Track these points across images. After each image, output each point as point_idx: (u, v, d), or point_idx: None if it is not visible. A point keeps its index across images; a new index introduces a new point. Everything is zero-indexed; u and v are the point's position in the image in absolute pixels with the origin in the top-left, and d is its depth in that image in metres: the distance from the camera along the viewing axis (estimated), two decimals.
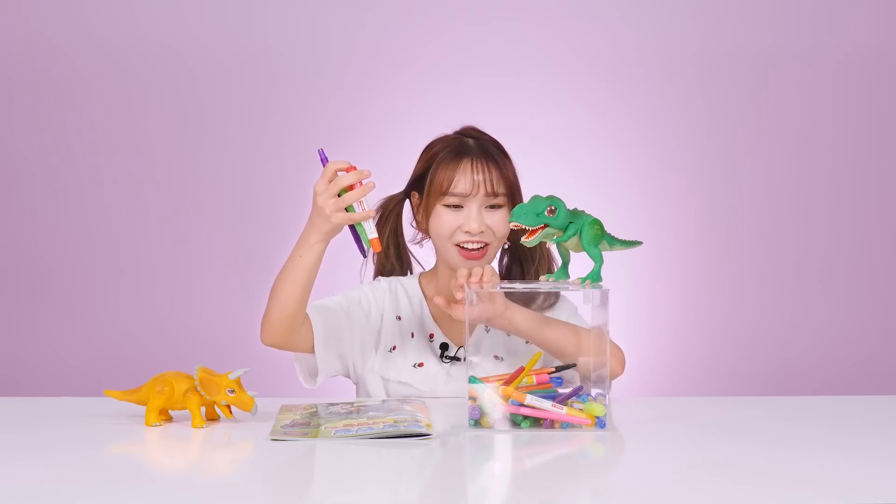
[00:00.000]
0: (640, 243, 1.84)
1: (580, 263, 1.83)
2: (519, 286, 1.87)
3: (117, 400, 1.82)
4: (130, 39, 3.44)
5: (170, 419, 1.80)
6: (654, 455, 1.61)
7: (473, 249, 2.02)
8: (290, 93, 3.48)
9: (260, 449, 1.63)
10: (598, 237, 1.77)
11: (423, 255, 2.21)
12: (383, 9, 3.49)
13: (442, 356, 2.09)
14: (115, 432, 1.73)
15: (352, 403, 1.90)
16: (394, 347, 2.09)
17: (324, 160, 1.85)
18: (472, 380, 1.73)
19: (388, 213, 2.14)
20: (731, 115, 3.53)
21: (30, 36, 3.43)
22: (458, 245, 2.03)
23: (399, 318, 2.11)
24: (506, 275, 2.17)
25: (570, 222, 1.76)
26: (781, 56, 3.51)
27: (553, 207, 1.74)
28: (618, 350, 1.99)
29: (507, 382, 1.76)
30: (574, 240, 1.77)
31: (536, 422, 1.72)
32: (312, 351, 2.03)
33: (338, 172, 1.81)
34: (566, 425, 1.71)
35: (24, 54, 3.43)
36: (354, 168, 1.82)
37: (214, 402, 1.78)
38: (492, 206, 2.03)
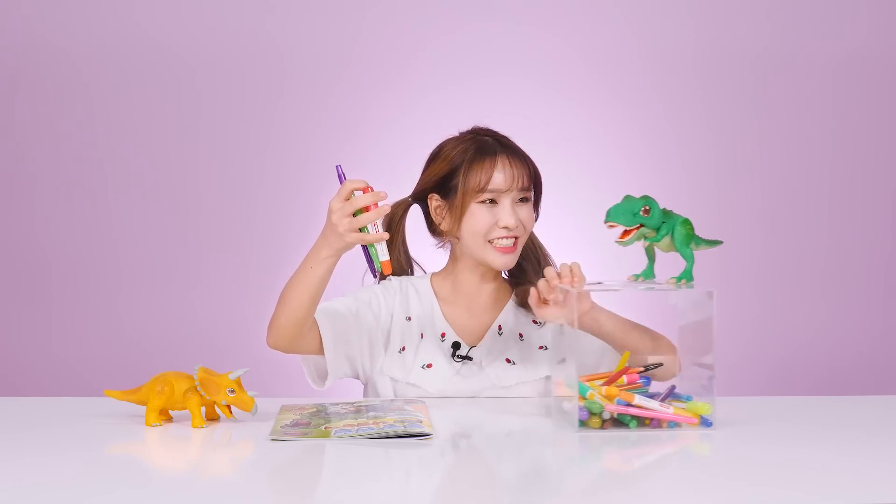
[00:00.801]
0: (721, 243, 1.84)
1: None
2: (610, 285, 1.85)
3: (117, 400, 1.82)
4: (131, 40, 3.45)
5: (170, 419, 1.80)
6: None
7: (506, 245, 2.04)
8: (290, 93, 3.48)
9: (260, 449, 1.63)
10: (689, 237, 1.78)
11: (421, 257, 2.22)
12: (383, 9, 3.49)
13: (453, 355, 2.09)
14: (115, 432, 1.73)
15: (352, 403, 1.91)
16: (403, 348, 2.10)
17: (341, 177, 1.85)
18: (581, 386, 1.73)
19: (398, 219, 2.14)
20: (731, 115, 3.53)
21: (30, 36, 3.43)
22: (490, 241, 2.04)
23: (409, 318, 2.12)
24: (515, 273, 2.16)
25: (663, 222, 1.77)
26: (781, 56, 3.51)
27: (648, 207, 1.75)
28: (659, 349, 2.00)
29: (608, 383, 1.77)
30: (666, 239, 1.78)
31: (641, 422, 1.72)
32: (317, 353, 2.03)
33: (354, 192, 1.82)
34: (672, 424, 1.72)
35: (24, 54, 3.43)
36: (371, 188, 1.82)
37: (214, 402, 1.78)
38: (520, 201, 2.05)
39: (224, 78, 3.46)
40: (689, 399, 1.76)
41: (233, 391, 1.76)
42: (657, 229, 1.76)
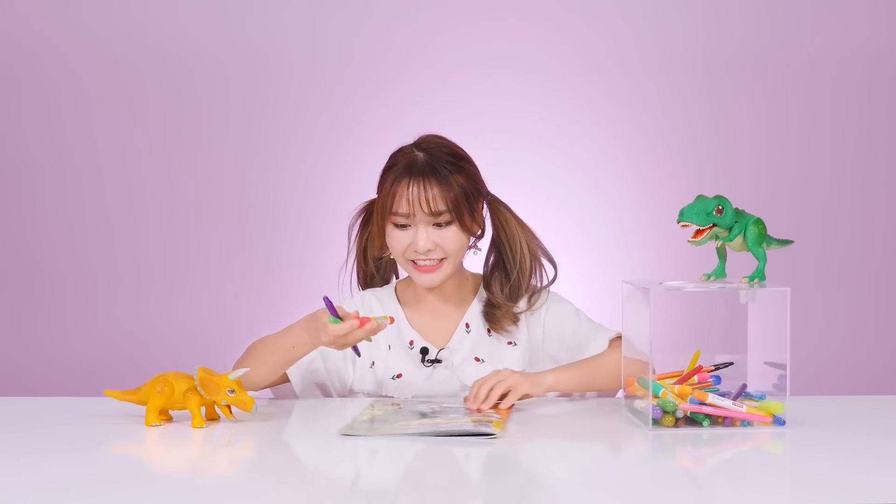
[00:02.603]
0: (792, 242, 1.86)
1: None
2: (682, 285, 1.84)
3: (117, 400, 1.82)
4: (130, 40, 3.44)
5: (170, 419, 1.80)
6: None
7: (426, 264, 2.03)
8: (289, 93, 3.48)
9: (260, 449, 1.63)
10: (761, 236, 1.79)
11: None
12: (382, 9, 3.49)
13: (423, 361, 2.08)
14: (115, 432, 1.74)
15: (438, 402, 1.92)
16: (373, 363, 2.08)
17: (331, 308, 1.84)
18: (654, 384, 1.73)
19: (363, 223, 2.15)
20: (730, 115, 3.52)
21: (30, 36, 3.43)
22: (412, 261, 2.04)
23: None
24: (490, 273, 2.13)
25: (735, 221, 1.77)
26: (781, 56, 3.51)
27: (721, 207, 1.76)
28: (618, 368, 1.96)
29: (680, 382, 1.77)
30: (738, 239, 1.79)
31: (714, 420, 1.73)
32: (281, 383, 2.06)
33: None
34: (745, 423, 1.72)
35: (24, 54, 3.43)
36: (360, 320, 1.82)
37: (214, 402, 1.78)
38: (439, 224, 2.02)
39: (223, 79, 3.46)
40: (761, 398, 1.76)
41: (233, 391, 1.76)
42: (730, 229, 1.77)
